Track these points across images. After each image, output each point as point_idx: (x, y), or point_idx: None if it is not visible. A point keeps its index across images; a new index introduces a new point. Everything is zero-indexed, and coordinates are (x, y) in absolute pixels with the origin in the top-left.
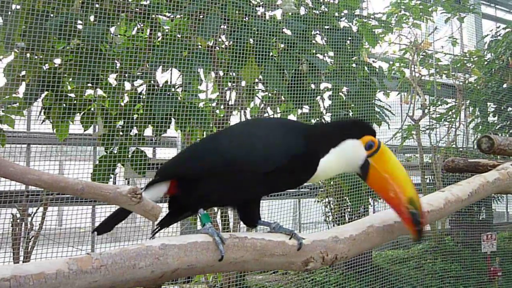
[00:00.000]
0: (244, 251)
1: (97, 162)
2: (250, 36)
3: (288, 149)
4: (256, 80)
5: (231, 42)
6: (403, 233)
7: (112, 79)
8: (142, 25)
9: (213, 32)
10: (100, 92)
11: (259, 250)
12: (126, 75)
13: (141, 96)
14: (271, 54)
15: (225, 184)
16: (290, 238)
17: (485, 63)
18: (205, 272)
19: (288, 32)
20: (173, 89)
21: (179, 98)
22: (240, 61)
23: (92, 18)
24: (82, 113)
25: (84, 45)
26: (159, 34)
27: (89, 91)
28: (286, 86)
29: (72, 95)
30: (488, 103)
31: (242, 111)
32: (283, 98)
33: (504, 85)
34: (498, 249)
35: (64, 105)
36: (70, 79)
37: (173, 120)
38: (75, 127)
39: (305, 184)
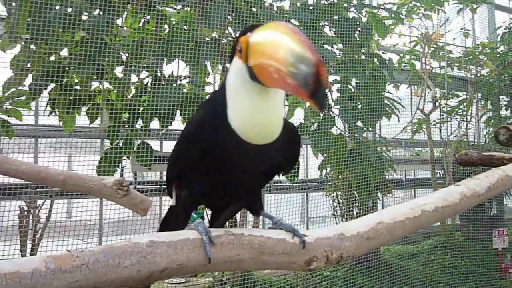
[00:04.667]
0: (240, 249)
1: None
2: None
3: (196, 119)
4: None
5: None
6: (415, 231)
7: (118, 71)
8: (148, 17)
9: (219, 23)
10: (106, 84)
11: (257, 248)
12: (132, 67)
13: (146, 88)
14: None
15: (197, 175)
16: (293, 237)
17: (498, 55)
18: (198, 271)
19: (296, 23)
20: (178, 81)
21: (184, 91)
22: None
23: (97, 10)
24: (87, 106)
25: (90, 37)
26: (166, 26)
27: (95, 84)
28: None
29: (78, 87)
30: (501, 96)
31: None
32: None
33: None
34: (510, 245)
35: (70, 97)
36: (76, 71)
37: (179, 113)
38: (83, 120)
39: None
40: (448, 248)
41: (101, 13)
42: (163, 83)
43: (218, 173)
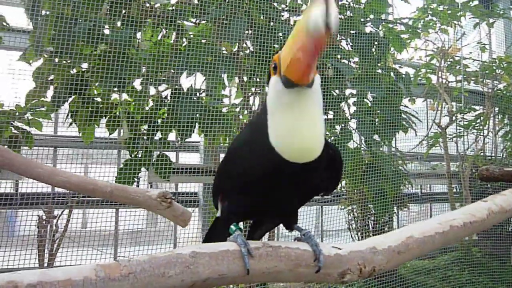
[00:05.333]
0: (278, 261)
1: (121, 166)
2: (275, 41)
3: (239, 139)
4: None
5: (256, 47)
6: (444, 245)
7: (137, 84)
8: (167, 30)
9: (239, 37)
10: (125, 96)
11: (294, 260)
12: (151, 80)
13: (165, 100)
14: None
15: (238, 191)
16: (314, 260)
17: None
18: (237, 282)
19: None
20: (198, 94)
21: (202, 103)
22: (266, 66)
23: (119, 23)
24: (107, 117)
25: (111, 50)
26: (184, 40)
27: (115, 96)
28: None
29: (98, 99)
30: None
31: None
32: None
33: None
34: None
35: (90, 109)
36: (97, 84)
37: (196, 124)
38: (100, 131)
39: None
40: (466, 264)
41: (122, 26)
42: (182, 96)
43: (258, 191)
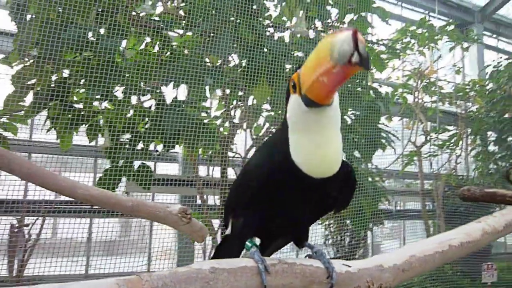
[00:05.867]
0: (293, 278)
1: (98, 174)
2: (263, 57)
3: (259, 156)
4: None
5: (242, 62)
6: (443, 264)
7: (120, 92)
8: (152, 40)
9: (226, 51)
10: (106, 104)
11: (309, 277)
12: (135, 89)
13: (149, 110)
14: (282, 74)
15: (256, 206)
16: (327, 277)
17: (487, 92)
18: None
19: (300, 54)
20: (182, 105)
21: (186, 114)
22: (252, 81)
23: (103, 30)
24: (88, 125)
25: (96, 57)
26: (167, 50)
27: (96, 103)
28: None
29: (80, 106)
30: (489, 132)
31: (248, 130)
32: None
33: (506, 115)
34: (499, 279)
35: (71, 115)
36: (80, 90)
37: (179, 135)
38: (77, 138)
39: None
40: (438, 281)
41: (108, 34)
42: (165, 107)
43: (277, 204)
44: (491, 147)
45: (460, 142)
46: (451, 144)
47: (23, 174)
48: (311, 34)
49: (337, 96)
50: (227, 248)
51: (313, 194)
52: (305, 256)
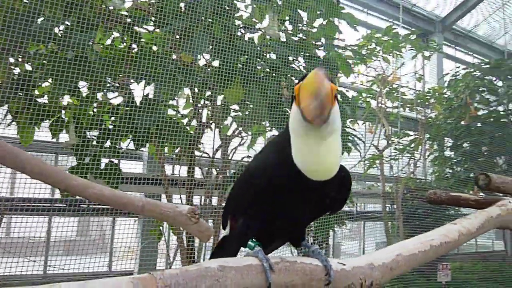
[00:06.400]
0: (294, 275)
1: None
2: (235, 57)
3: (262, 158)
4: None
5: (213, 61)
6: (425, 262)
7: (86, 88)
8: (121, 35)
9: (199, 50)
10: (68, 99)
11: (308, 275)
12: (102, 85)
13: (118, 107)
14: (255, 75)
15: (257, 207)
16: (325, 275)
17: (445, 100)
18: None
19: (273, 56)
20: (152, 103)
21: (154, 112)
22: (224, 81)
23: (69, 23)
24: (52, 120)
25: (62, 51)
26: (138, 46)
27: (63, 98)
28: (267, 108)
29: (45, 100)
30: (446, 138)
31: (216, 130)
32: (256, 119)
33: (462, 122)
34: (452, 279)
35: (34, 110)
36: (43, 84)
37: (150, 133)
38: (39, 134)
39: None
40: (395, 280)
41: (76, 27)
42: (133, 103)
43: (278, 207)
44: (448, 153)
45: (420, 147)
46: (411, 149)
47: (35, 174)
48: (283, 36)
49: (336, 107)
50: (226, 249)
51: (313, 195)
52: (302, 255)
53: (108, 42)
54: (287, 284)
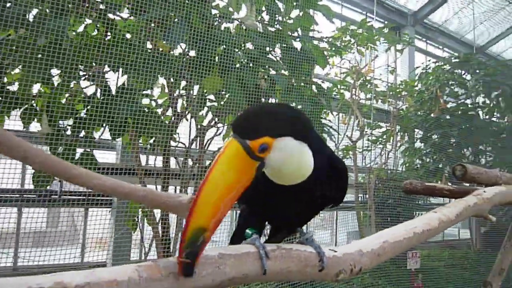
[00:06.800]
0: (290, 262)
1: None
2: (214, 47)
3: None
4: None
5: (190, 51)
6: (408, 249)
7: (58, 76)
8: (94, 22)
9: (180, 39)
10: (38, 87)
11: (303, 262)
12: (75, 73)
13: (93, 96)
14: (233, 65)
15: (249, 205)
16: (319, 261)
17: (416, 93)
18: (257, 281)
19: (251, 47)
20: (127, 92)
21: (130, 101)
22: (201, 71)
23: (39, 9)
24: (23, 109)
25: (33, 37)
26: (111, 34)
27: (36, 87)
28: (245, 99)
29: (14, 88)
30: (416, 130)
31: (192, 120)
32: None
33: (432, 115)
34: (421, 266)
35: (1, 98)
36: (16, 71)
37: (126, 123)
38: (9, 123)
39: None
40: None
41: (48, 12)
42: (109, 92)
43: (265, 206)
44: (418, 144)
45: (391, 138)
46: (383, 140)
47: (37, 164)
48: (259, 27)
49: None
50: (235, 237)
51: (291, 196)
52: (297, 242)
53: (81, 29)
54: (283, 270)
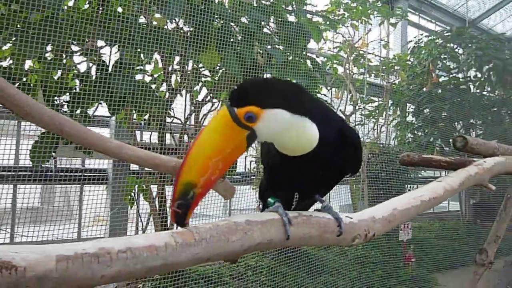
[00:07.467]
0: (310, 228)
1: (34, 140)
2: (210, 21)
3: None
4: (201, 65)
5: (184, 26)
6: (415, 216)
7: (52, 52)
8: None
9: (179, 13)
10: (30, 63)
11: (323, 227)
12: (68, 48)
13: (87, 72)
14: (230, 40)
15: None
16: (337, 226)
17: (408, 67)
18: (280, 246)
19: (245, 21)
20: (129, 68)
21: (126, 77)
22: (198, 45)
23: None
24: (16, 85)
25: (23, 12)
26: (104, 8)
27: (29, 63)
28: (242, 74)
29: (5, 64)
30: (408, 104)
31: (187, 95)
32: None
33: (424, 89)
34: (413, 237)
35: None
36: (6, 47)
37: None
38: None
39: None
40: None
41: None
42: (104, 67)
43: (283, 173)
44: (410, 118)
45: (384, 113)
46: (376, 114)
47: (72, 136)
48: (254, 0)
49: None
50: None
51: (308, 166)
52: (314, 210)
53: (71, 3)
54: (304, 235)
